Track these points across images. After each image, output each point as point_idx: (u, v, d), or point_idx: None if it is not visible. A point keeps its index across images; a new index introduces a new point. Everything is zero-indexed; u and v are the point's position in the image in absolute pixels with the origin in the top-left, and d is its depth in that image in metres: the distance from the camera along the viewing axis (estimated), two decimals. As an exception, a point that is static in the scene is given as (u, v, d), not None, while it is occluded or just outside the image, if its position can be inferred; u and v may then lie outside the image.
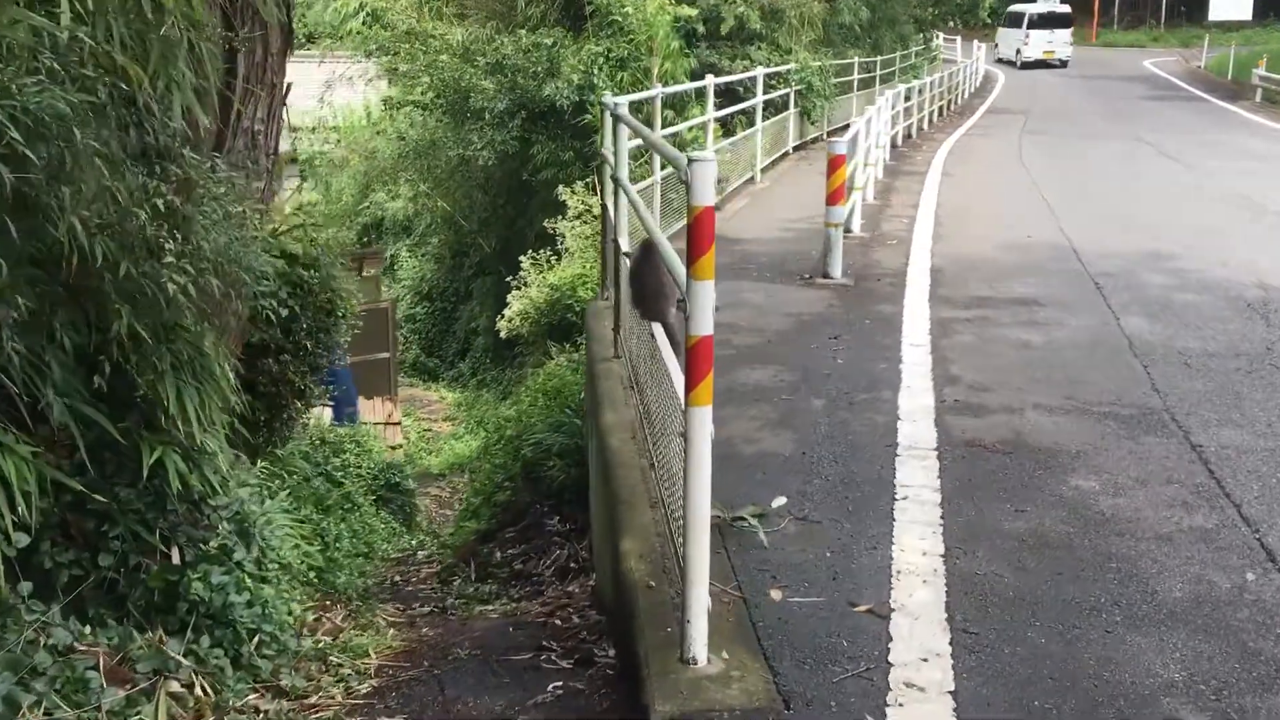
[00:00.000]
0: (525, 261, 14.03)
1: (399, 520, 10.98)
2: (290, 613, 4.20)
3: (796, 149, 17.95)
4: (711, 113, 11.62)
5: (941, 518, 4.50)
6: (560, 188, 14.34)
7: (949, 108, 27.44)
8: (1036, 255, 10.03)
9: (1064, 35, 42.66)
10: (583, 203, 13.77)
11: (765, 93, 16.50)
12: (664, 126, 13.66)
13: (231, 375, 4.00)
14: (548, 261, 13.68)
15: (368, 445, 12.11)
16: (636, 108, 14.39)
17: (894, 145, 18.55)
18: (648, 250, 4.57)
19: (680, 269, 4.13)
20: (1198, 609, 3.82)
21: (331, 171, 25.43)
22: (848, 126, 15.58)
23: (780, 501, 4.62)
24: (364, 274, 16.25)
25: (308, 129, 23.76)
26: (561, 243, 13.87)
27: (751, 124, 15.04)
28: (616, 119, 6.42)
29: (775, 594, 3.86)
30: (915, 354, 6.84)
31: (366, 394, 15.22)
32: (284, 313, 8.97)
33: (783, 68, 16.94)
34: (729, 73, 16.17)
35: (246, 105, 4.17)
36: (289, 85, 4.68)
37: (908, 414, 5.74)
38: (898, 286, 8.72)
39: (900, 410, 5.80)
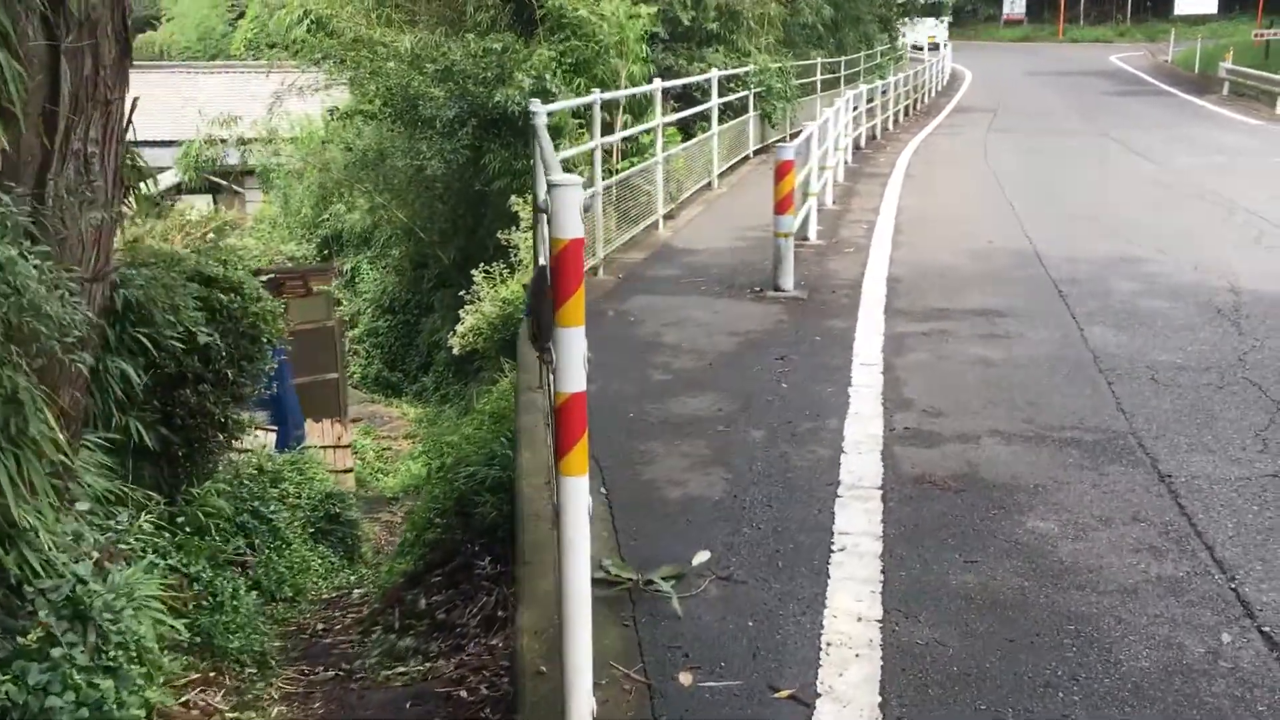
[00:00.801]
0: (477, 275, 13.52)
1: (338, 554, 10.43)
2: (145, 704, 3.70)
3: (758, 152, 17.49)
4: (660, 118, 11.11)
5: (882, 572, 4.01)
6: (513, 198, 13.83)
7: (915, 107, 27.06)
8: (998, 262, 9.59)
9: (938, 23, 48.51)
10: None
11: (723, 95, 16.07)
12: (622, 130, 13.22)
13: (61, 434, 3.48)
14: (500, 275, 13.18)
15: (310, 473, 11.55)
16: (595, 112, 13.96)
17: (857, 147, 18.15)
18: (544, 277, 4.06)
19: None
20: (1167, 682, 3.34)
21: (289, 184, 24.85)
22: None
23: (702, 557, 4.12)
24: (313, 291, 15.70)
25: (264, 140, 23.19)
26: (515, 255, 13.37)
27: (710, 128, 14.57)
28: (533, 130, 5.92)
29: (685, 678, 3.36)
30: (866, 375, 6.36)
31: (315, 416, 14.67)
32: (202, 340, 8.41)
33: (740, 70, 16.46)
34: (687, 75, 15.70)
35: (76, 125, 3.64)
36: (135, 101, 4.16)
37: (854, 445, 5.26)
38: (852, 299, 8.25)
39: (846, 441, 5.32)
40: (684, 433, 5.46)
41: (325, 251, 25.76)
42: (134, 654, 3.85)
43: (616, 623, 3.67)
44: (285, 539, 8.66)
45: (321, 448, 14.10)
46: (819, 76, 21.98)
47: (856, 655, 3.47)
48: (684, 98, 15.89)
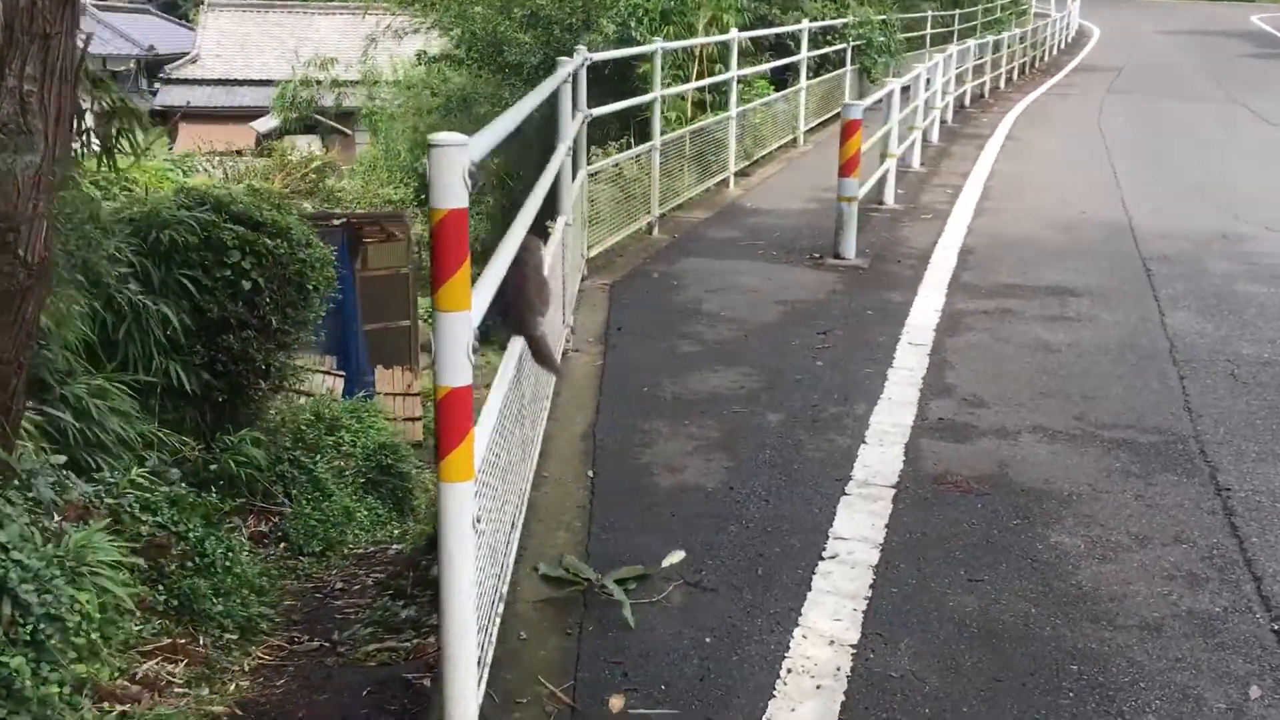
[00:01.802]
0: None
1: (387, 506, 10.31)
2: (62, 683, 3.50)
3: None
4: (735, 70, 10.60)
5: (871, 586, 3.59)
6: (593, 149, 13.46)
7: (1033, 65, 25.80)
8: (1086, 235, 8.91)
9: None
10: (614, 165, 12.88)
11: (818, 48, 15.41)
12: (696, 81, 12.71)
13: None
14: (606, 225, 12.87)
15: (368, 421, 11.45)
16: (679, 64, 13.48)
17: (961, 106, 17.30)
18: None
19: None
20: (1173, 746, 2.88)
21: (389, 127, 24.83)
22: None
23: (676, 558, 3.75)
24: (391, 237, 15.61)
25: (368, 82, 23.18)
26: (593, 206, 13.02)
27: (798, 82, 13.96)
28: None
29: (616, 702, 3.01)
30: (911, 355, 5.87)
31: (385, 363, 14.60)
32: (247, 285, 8.27)
33: (837, 21, 15.75)
34: (782, 25, 15.07)
35: (10, 60, 3.39)
36: (88, 37, 3.89)
37: (877, 435, 4.82)
38: (917, 270, 7.71)
39: (869, 430, 4.88)
40: (696, 412, 5.08)
41: (422, 196, 25.78)
42: (70, 625, 3.64)
43: (559, 630, 3.33)
44: (327, 490, 8.51)
45: (390, 395, 14.04)
46: (929, 30, 21.06)
47: (818, 687, 3.07)
48: (781, 49, 15.28)
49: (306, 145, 27.03)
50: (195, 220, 8.09)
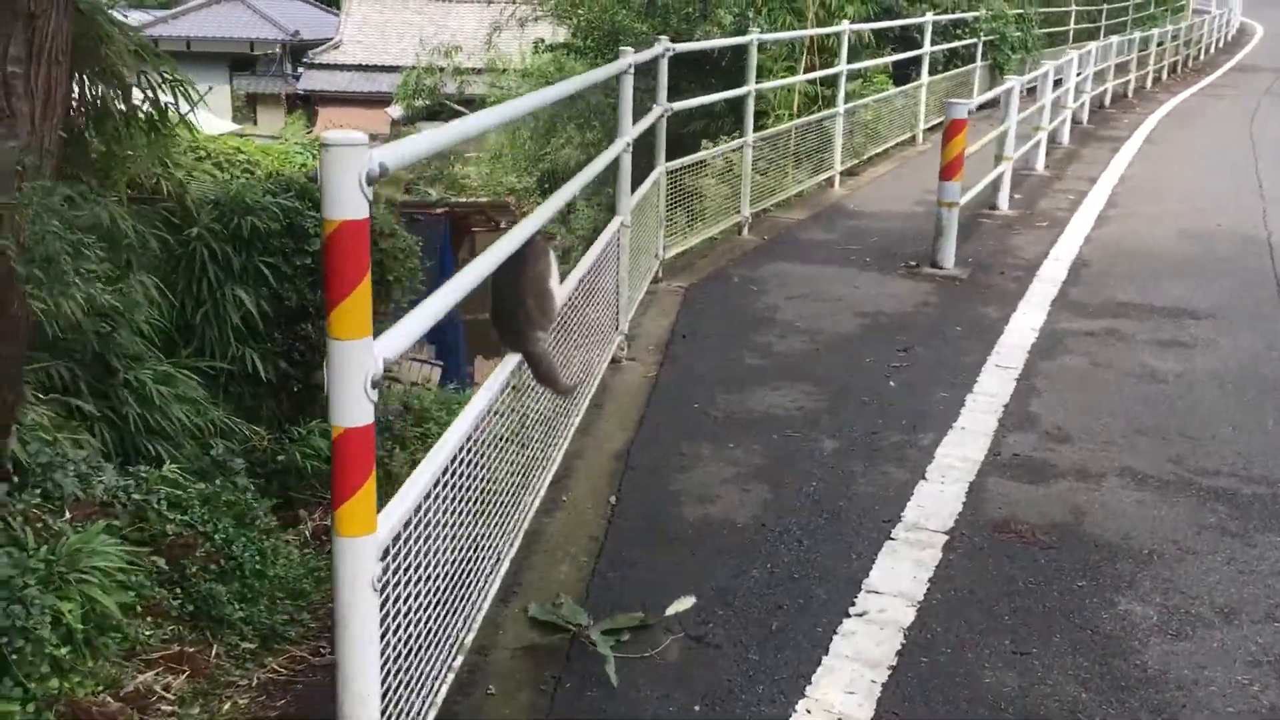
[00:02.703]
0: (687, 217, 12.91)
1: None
2: (25, 700, 3.32)
3: (982, 107, 15.96)
4: (844, 64, 10.08)
5: (899, 653, 3.16)
6: (704, 142, 13.09)
7: (1185, 64, 24.37)
8: (1218, 250, 8.16)
9: None
10: (725, 160, 12.48)
11: (947, 42, 14.72)
12: (805, 74, 12.18)
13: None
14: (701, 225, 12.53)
15: (458, 413, 11.25)
16: (792, 57, 13.00)
17: (1100, 106, 16.35)
18: (523, 246, 3.34)
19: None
20: None
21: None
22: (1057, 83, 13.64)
23: (683, 605, 3.37)
24: (499, 226, 15.52)
25: (496, 70, 23.20)
26: (713, 202, 12.66)
27: (933, 75, 13.30)
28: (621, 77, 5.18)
29: (572, 778, 2.66)
30: (996, 380, 5.36)
31: (486, 355, 14.49)
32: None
33: (967, 15, 15.00)
34: (908, 18, 14.41)
35: (-10, 41, 3.20)
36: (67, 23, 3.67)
37: (940, 470, 4.35)
38: (1021, 283, 7.13)
39: (933, 464, 4.41)
40: (746, 433, 4.68)
41: (545, 185, 25.77)
42: (41, 637, 3.46)
43: (533, 685, 2.99)
44: (399, 482, 8.32)
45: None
46: (1071, 26, 20.03)
47: (810, 775, 2.67)
48: (907, 42, 14.61)
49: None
50: (278, 206, 8.00)
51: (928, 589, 3.50)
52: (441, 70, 21.92)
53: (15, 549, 3.68)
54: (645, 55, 6.51)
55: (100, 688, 3.84)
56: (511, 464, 3.33)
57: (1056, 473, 4.37)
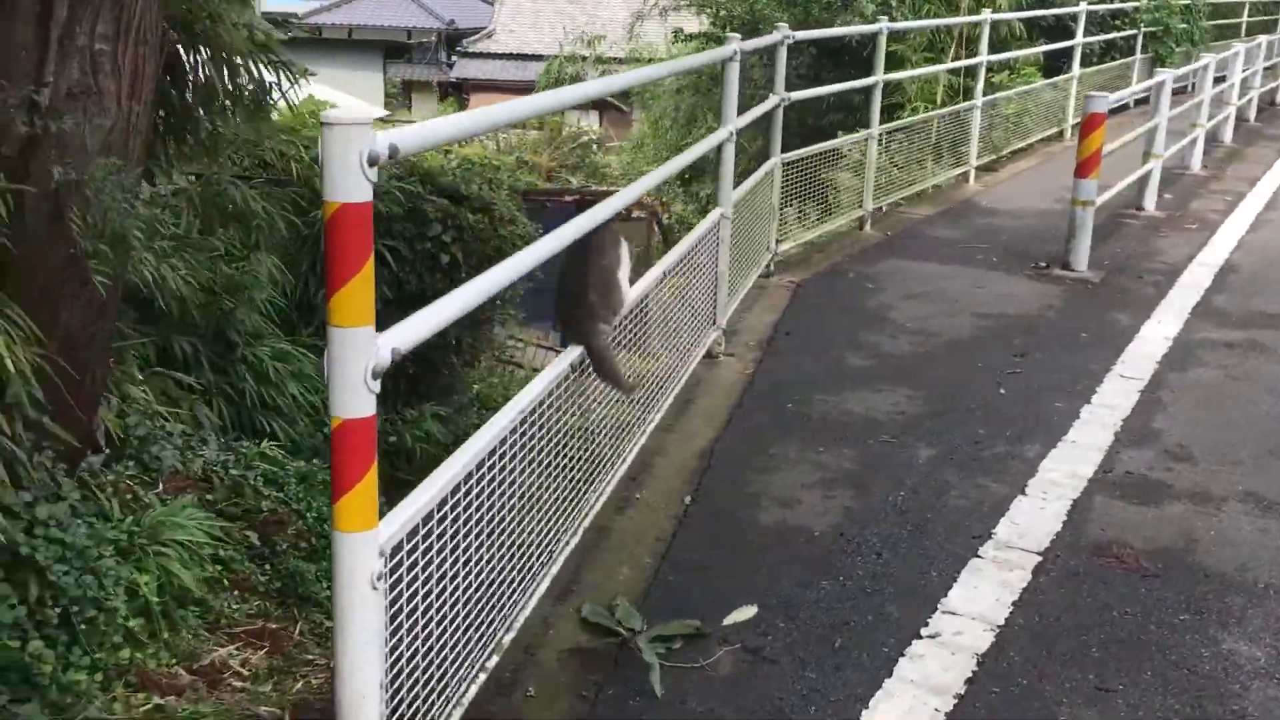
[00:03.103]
0: (792, 211, 12.68)
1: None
2: (93, 669, 3.37)
3: (1140, 102, 15.20)
4: (984, 55, 9.68)
5: (969, 681, 2.95)
6: (839, 134, 12.79)
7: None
8: (1385, 259, 7.54)
9: None
10: (861, 152, 12.17)
11: (1104, 32, 14.05)
12: (948, 63, 11.75)
13: (21, 360, 3.11)
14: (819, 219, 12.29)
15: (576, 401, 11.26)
16: (937, 46, 12.58)
17: (1271, 103, 15.39)
18: (592, 235, 3.22)
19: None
20: None
21: (659, 106, 24.82)
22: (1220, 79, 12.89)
23: (743, 615, 3.22)
24: (630, 216, 15.48)
25: (643, 59, 23.17)
26: (833, 194, 12.38)
27: (1087, 67, 12.70)
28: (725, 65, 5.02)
29: (599, 792, 2.54)
30: (1118, 390, 5.03)
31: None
32: (445, 259, 8.25)
33: (1127, 4, 14.28)
34: (1062, 7, 13.79)
35: (82, 18, 3.24)
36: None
37: (1042, 485, 4.09)
38: (1160, 289, 6.71)
39: (1035, 478, 4.15)
40: (838, 437, 4.48)
41: (684, 175, 25.65)
42: (113, 608, 3.52)
43: (574, 690, 2.89)
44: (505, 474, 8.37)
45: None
46: (1245, 19, 18.91)
47: (853, 808, 2.50)
48: (1063, 33, 13.99)
49: (577, 120, 27.42)
50: (401, 191, 8.10)
51: (1010, 613, 3.27)
52: (583, 59, 22.00)
53: (97, 519, 3.75)
54: (759, 42, 6.34)
55: (175, 660, 3.90)
56: (569, 460, 3.23)
57: (1172, 494, 4.06)
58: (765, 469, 4.19)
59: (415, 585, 2.27)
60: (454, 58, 37.02)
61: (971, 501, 3.96)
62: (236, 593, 4.54)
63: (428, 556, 2.32)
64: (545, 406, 2.99)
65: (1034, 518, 3.84)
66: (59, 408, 3.50)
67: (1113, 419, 4.72)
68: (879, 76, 7.85)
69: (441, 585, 2.40)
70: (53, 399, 3.45)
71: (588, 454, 3.42)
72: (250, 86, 4.74)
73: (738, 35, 5.28)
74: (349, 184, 1.80)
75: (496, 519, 2.69)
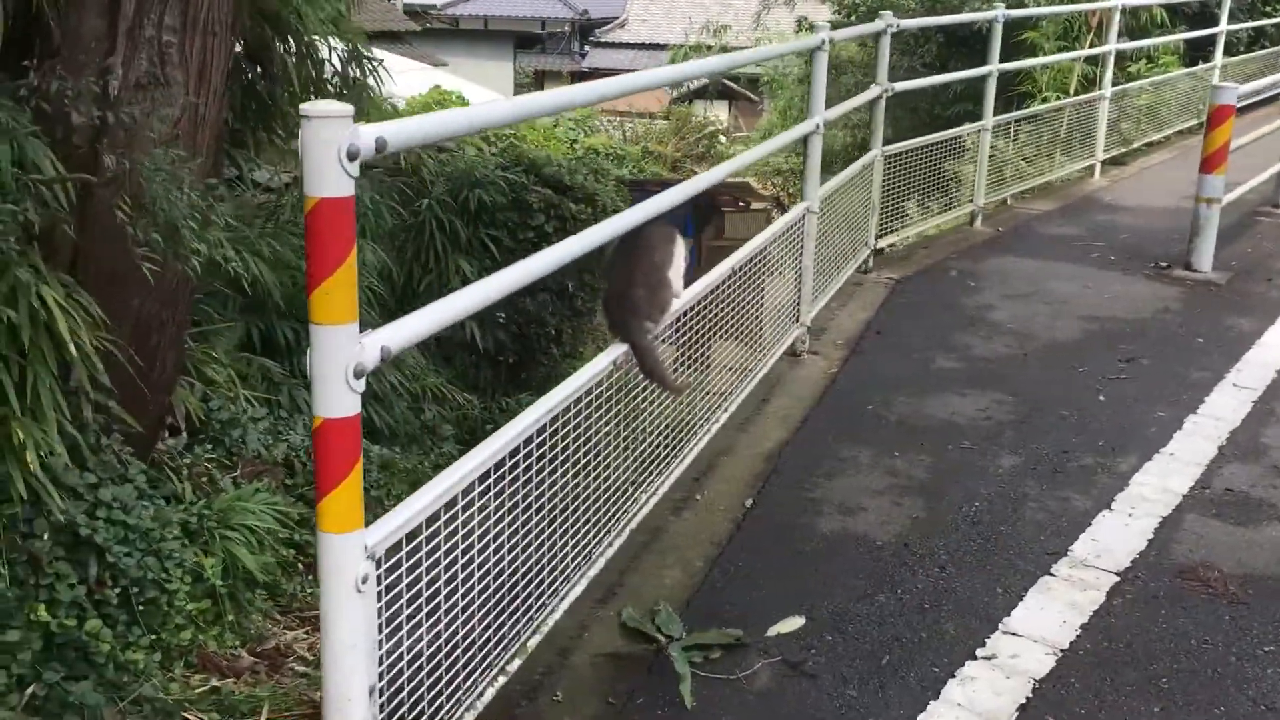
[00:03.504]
0: (911, 205, 12.36)
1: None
2: (153, 648, 3.43)
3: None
4: (1113, 43, 9.25)
5: (1021, 708, 2.78)
6: (965, 125, 12.41)
7: None
8: None
9: None
10: (991, 146, 11.78)
11: (1254, 19, 13.32)
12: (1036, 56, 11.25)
13: (87, 343, 3.18)
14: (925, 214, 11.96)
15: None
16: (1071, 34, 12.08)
17: None
18: (642, 229, 3.13)
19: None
20: None
21: (787, 96, 24.54)
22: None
23: (790, 625, 3.11)
24: (749, 207, 15.33)
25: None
26: (956, 188, 12.03)
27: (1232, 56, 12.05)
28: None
29: (610, 805, 2.47)
30: (1229, 400, 4.73)
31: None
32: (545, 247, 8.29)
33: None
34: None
35: (150, 9, 3.30)
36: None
37: (1130, 501, 3.86)
38: (1290, 292, 6.30)
39: (1124, 493, 3.92)
40: (916, 442, 4.31)
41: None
42: (174, 589, 3.59)
43: (603, 696, 2.82)
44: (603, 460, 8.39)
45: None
46: None
47: (875, 838, 2.38)
48: (1205, 20, 13.30)
49: (704, 110, 27.28)
50: (505, 181, 8.15)
51: (1077, 636, 3.08)
52: (709, 49, 21.84)
53: (169, 501, 3.83)
54: (855, 31, 6.17)
55: (239, 642, 3.97)
56: (610, 461, 3.16)
57: (1274, 515, 3.79)
58: (834, 473, 4.05)
59: (418, 588, 2.23)
60: (586, 47, 37.27)
61: (1051, 515, 3.76)
62: (312, 577, 4.61)
63: (433, 559, 2.28)
64: (581, 405, 2.92)
65: (1117, 535, 3.62)
66: (129, 392, 3.58)
67: (1218, 431, 4.43)
68: (993, 66, 7.55)
69: (449, 588, 2.36)
70: (122, 383, 3.53)
71: (636, 454, 3.34)
72: (334, 79, 4.79)
73: (827, 24, 5.13)
74: (327, 178, 1.76)
75: (516, 521, 2.63)
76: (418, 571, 2.23)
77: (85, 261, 3.43)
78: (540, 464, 2.72)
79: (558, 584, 2.87)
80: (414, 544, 2.21)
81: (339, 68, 4.94)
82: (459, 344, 7.80)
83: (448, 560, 2.33)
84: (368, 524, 1.98)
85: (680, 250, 3.28)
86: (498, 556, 2.55)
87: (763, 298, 4.54)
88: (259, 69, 4.61)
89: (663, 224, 3.23)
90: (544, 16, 38.08)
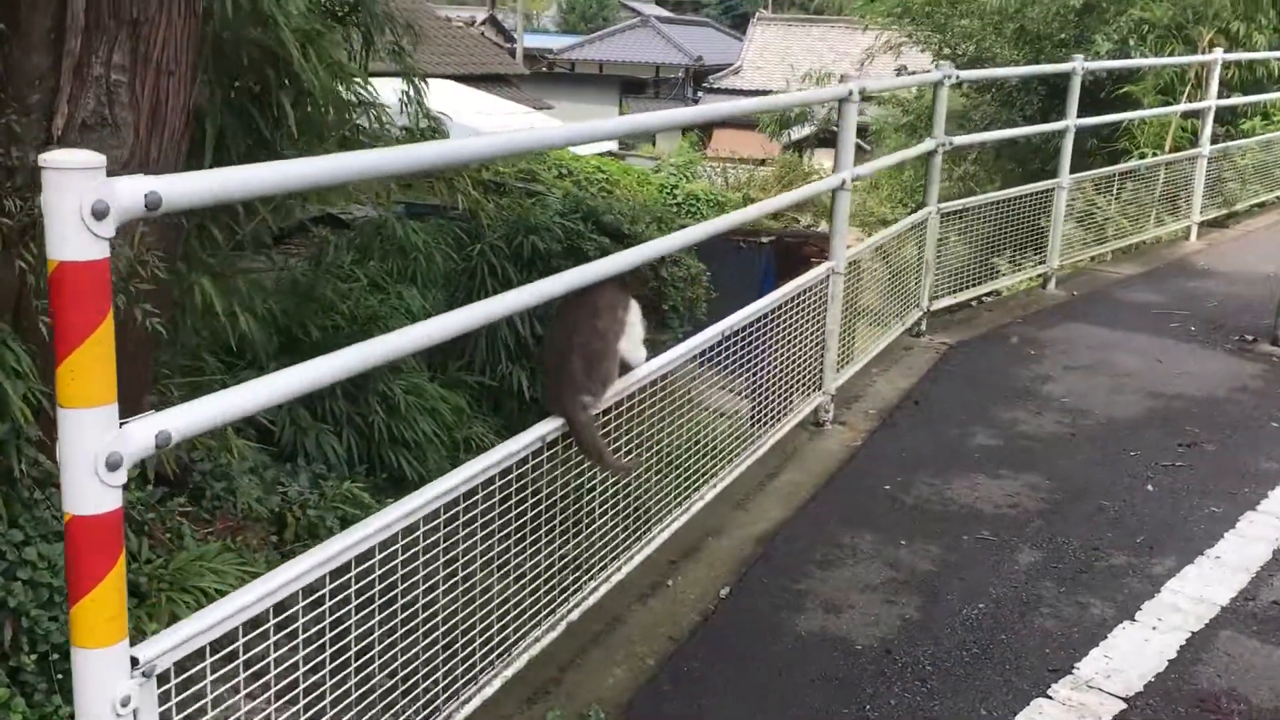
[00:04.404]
0: (1003, 261, 11.84)
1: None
2: (48, 717, 3.25)
3: None
4: (1213, 99, 8.68)
5: None
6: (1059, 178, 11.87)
7: None
8: None
9: None
10: (1090, 203, 11.22)
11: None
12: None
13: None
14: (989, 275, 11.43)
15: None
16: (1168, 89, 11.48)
17: None
18: (589, 292, 2.84)
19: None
20: None
21: (895, 143, 24.07)
22: None
23: (729, 743, 2.77)
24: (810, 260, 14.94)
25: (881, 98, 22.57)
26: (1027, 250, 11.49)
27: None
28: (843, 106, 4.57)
29: None
30: (1296, 497, 4.23)
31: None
32: (601, 299, 8.09)
33: None
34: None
35: (98, 47, 3.16)
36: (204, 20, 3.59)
37: (1158, 611, 3.42)
38: (1390, 372, 5.71)
39: (1153, 601, 3.48)
40: (928, 530, 3.92)
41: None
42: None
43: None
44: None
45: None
46: None
47: None
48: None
49: (808, 158, 26.97)
50: (562, 228, 7.99)
51: (1062, 776, 2.68)
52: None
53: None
54: (901, 82, 5.83)
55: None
56: (542, 546, 2.87)
57: (1326, 637, 3.31)
58: (828, 562, 3.69)
59: (226, 708, 1.97)
60: (699, 93, 37.29)
61: (1062, 624, 3.34)
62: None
63: (253, 670, 2.02)
64: (489, 489, 2.65)
65: (1134, 652, 3.19)
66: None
67: (1277, 533, 3.94)
68: (1070, 121, 7.11)
69: (287, 702, 2.09)
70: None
71: (583, 536, 3.05)
72: (335, 122, 4.64)
73: (855, 74, 4.81)
74: (69, 239, 1.53)
75: (381, 621, 2.36)
76: (222, 691, 1.97)
77: (27, 309, 3.30)
78: (429, 555, 2.45)
79: (457, 686, 2.59)
80: (227, 652, 1.95)
81: (339, 112, 4.79)
82: (508, 391, 7.62)
83: (285, 669, 2.07)
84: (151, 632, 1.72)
85: (633, 316, 2.99)
86: (339, 666, 2.28)
87: (770, 363, 4.21)
88: (255, 108, 4.48)
89: (613, 285, 2.95)
90: (659, 62, 38.28)
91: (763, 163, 25.95)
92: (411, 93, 7.41)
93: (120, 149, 3.30)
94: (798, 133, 26.69)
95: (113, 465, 1.61)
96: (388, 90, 7.39)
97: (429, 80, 7.47)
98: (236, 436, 4.91)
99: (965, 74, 6.59)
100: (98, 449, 1.59)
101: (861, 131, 26.40)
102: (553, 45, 41.11)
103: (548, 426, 2.83)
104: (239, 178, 1.83)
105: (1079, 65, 7.05)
